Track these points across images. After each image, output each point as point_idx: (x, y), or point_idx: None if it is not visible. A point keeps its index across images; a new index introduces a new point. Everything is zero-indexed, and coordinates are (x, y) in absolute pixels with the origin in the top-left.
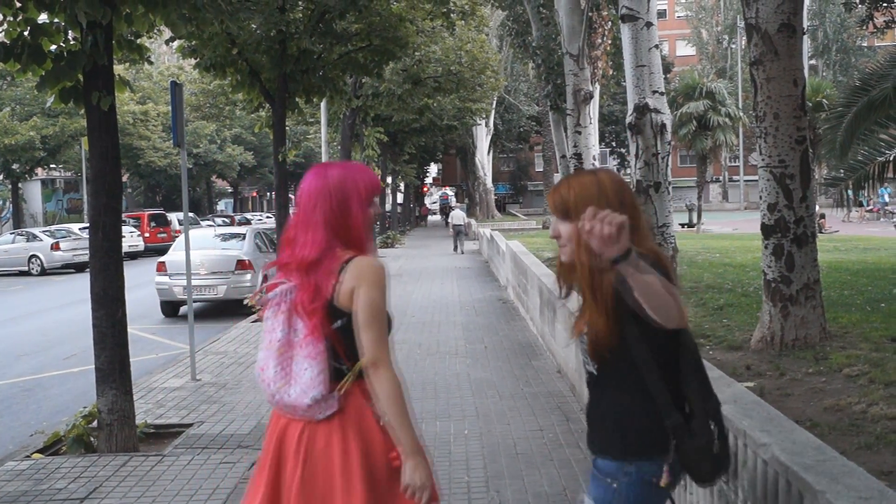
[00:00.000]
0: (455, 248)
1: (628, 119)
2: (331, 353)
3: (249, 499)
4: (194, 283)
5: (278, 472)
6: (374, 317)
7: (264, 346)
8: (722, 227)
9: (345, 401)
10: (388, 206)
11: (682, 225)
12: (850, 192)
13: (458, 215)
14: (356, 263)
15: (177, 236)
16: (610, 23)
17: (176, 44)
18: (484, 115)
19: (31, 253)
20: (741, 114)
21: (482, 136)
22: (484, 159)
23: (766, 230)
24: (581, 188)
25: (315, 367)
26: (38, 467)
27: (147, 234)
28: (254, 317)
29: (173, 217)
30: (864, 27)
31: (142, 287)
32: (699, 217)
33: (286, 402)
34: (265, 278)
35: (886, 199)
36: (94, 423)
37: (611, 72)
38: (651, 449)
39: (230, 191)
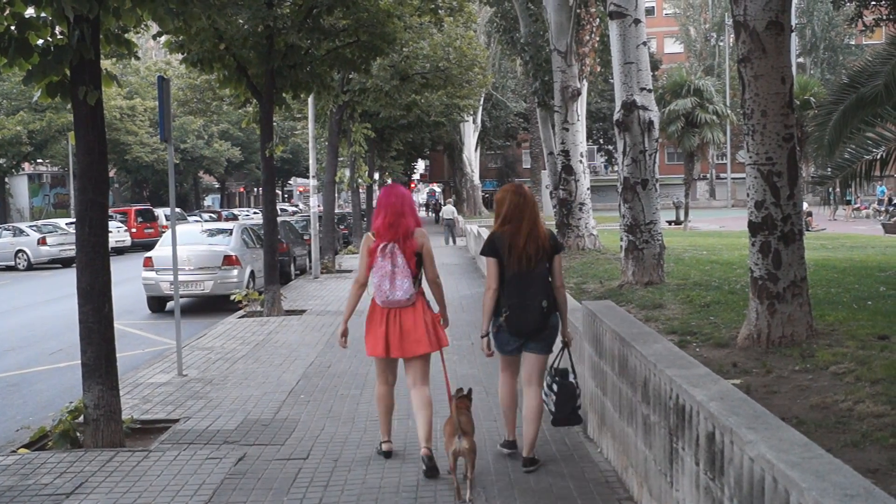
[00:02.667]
0: (447, 241)
1: (616, 116)
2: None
3: (372, 344)
4: (181, 278)
5: (387, 329)
6: (433, 257)
7: (379, 274)
8: (709, 225)
9: (416, 297)
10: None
11: (670, 222)
12: (834, 190)
13: (448, 210)
14: (421, 231)
15: (164, 231)
16: (598, 19)
17: (163, 39)
18: (471, 112)
19: (18, 248)
20: (729, 111)
21: (470, 133)
22: (471, 156)
23: (754, 227)
24: None
25: (408, 281)
26: (24, 462)
27: (134, 230)
28: (241, 312)
29: (160, 212)
30: (853, 25)
31: (128, 282)
32: (686, 214)
33: (395, 299)
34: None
35: (883, 197)
36: (81, 419)
37: (598, 69)
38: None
39: (217, 186)
